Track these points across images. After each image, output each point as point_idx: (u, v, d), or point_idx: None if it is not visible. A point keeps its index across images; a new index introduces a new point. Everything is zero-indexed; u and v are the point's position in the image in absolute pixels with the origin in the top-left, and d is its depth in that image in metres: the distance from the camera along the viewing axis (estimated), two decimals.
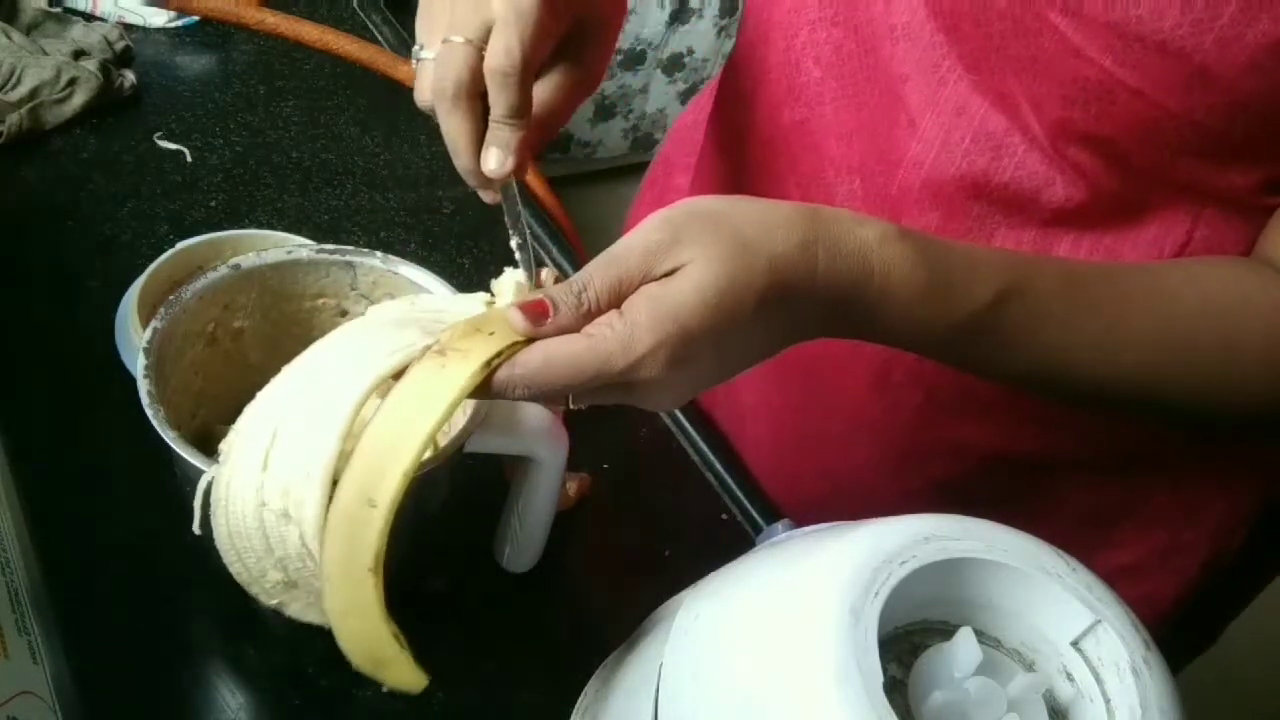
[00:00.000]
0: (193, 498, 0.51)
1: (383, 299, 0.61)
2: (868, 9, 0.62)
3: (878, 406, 0.71)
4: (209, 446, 0.59)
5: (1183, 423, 0.62)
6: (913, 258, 0.48)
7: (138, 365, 0.53)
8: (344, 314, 0.62)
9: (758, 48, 0.71)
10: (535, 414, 0.56)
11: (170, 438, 0.51)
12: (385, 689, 0.59)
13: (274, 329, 0.61)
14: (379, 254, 0.60)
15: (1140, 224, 0.60)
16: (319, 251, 0.60)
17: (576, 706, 0.54)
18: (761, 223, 0.46)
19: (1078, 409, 0.62)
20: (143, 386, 0.52)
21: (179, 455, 0.51)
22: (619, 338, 0.44)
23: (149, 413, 0.51)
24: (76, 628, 0.57)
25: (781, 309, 0.46)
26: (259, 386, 0.62)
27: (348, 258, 0.60)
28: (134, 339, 0.69)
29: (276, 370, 0.62)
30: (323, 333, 0.62)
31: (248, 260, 0.58)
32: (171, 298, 0.56)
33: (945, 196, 0.62)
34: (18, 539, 0.59)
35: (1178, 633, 0.76)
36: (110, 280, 0.74)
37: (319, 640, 0.61)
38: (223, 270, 0.58)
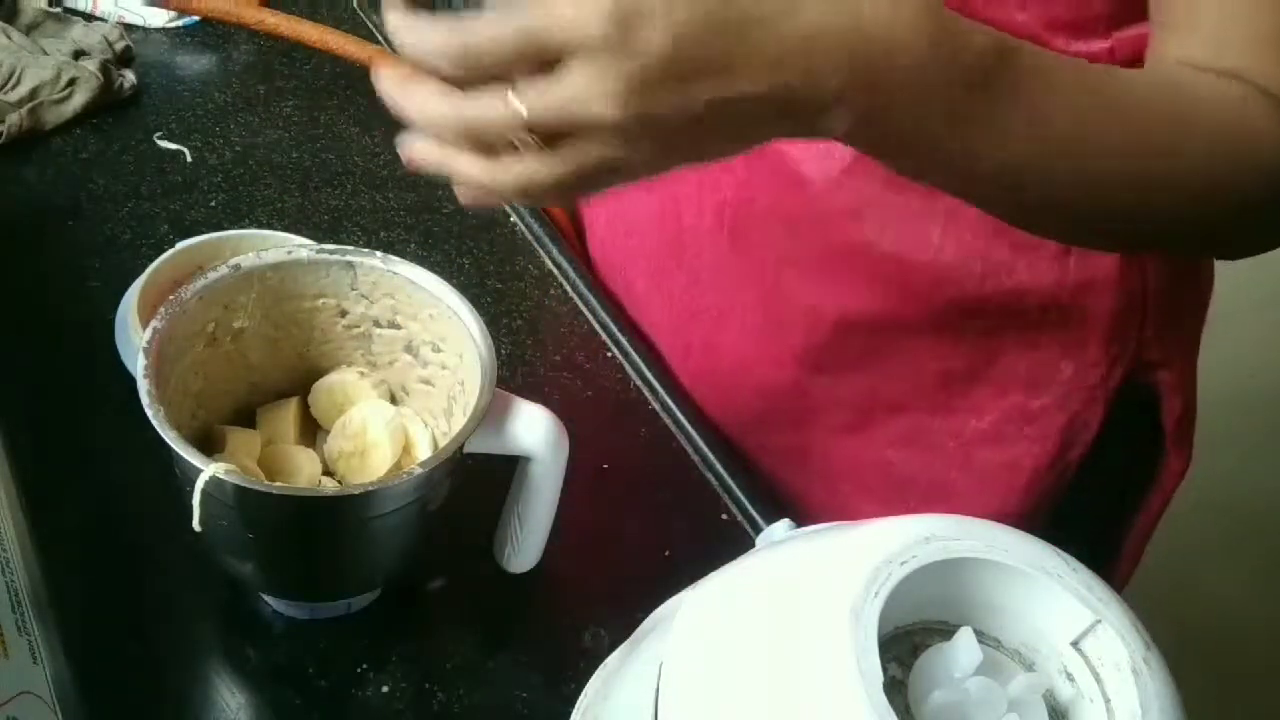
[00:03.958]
0: (192, 497, 0.51)
1: (383, 300, 0.61)
2: None
3: (737, 268, 0.75)
4: (209, 446, 0.59)
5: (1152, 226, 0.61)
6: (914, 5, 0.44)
7: (138, 365, 0.53)
8: (344, 314, 0.62)
9: None
10: (535, 414, 0.56)
11: (170, 437, 0.51)
12: (385, 689, 0.60)
13: (274, 329, 0.61)
14: (379, 254, 0.60)
15: None
16: (319, 252, 0.60)
17: (576, 706, 0.54)
18: None
19: (1047, 219, 0.60)
20: (143, 386, 0.52)
21: (179, 455, 0.51)
22: None
23: (149, 413, 0.51)
24: (76, 628, 0.57)
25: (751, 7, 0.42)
26: (259, 387, 0.63)
27: (348, 258, 0.60)
28: (134, 339, 0.69)
29: (276, 370, 0.62)
30: (323, 333, 0.62)
31: (248, 260, 0.58)
32: (171, 298, 0.56)
33: None
34: (18, 539, 0.59)
35: (1069, 531, 0.77)
36: (110, 280, 0.74)
37: (319, 640, 0.61)
38: (223, 270, 0.58)
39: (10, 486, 0.62)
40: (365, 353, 0.63)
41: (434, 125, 0.43)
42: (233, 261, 0.58)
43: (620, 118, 0.41)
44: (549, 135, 0.42)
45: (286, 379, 0.63)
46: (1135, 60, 0.61)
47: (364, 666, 0.60)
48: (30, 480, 0.62)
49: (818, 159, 0.68)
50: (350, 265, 0.60)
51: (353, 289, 0.61)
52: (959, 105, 0.47)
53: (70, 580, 0.59)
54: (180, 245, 0.72)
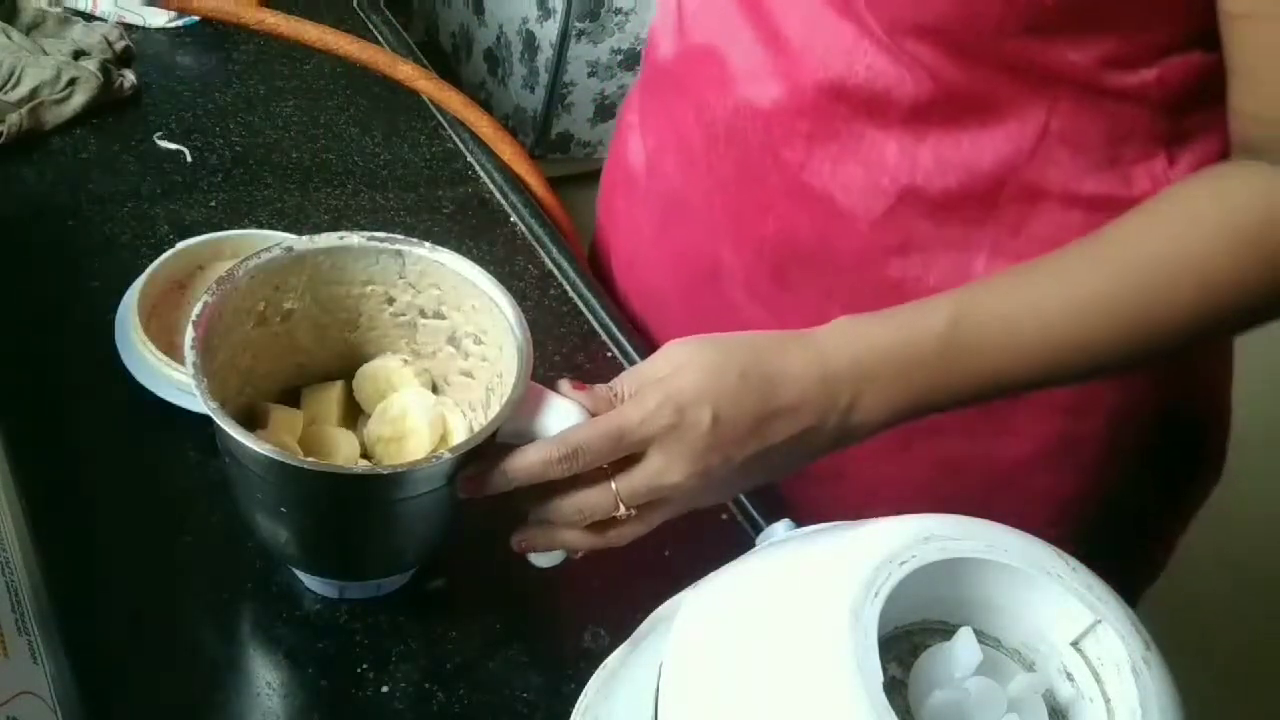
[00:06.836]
0: (233, 470, 0.52)
1: (429, 290, 0.62)
2: None
3: (777, 302, 0.76)
4: (253, 423, 0.60)
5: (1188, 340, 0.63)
6: (854, 325, 0.57)
7: (186, 338, 0.54)
8: (391, 301, 0.63)
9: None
10: (568, 408, 0.56)
11: (212, 409, 0.52)
12: (385, 689, 0.59)
13: (323, 312, 0.62)
14: (427, 244, 0.61)
15: (997, 120, 0.64)
16: (369, 239, 0.61)
17: (576, 707, 0.54)
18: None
19: (1096, 377, 0.65)
20: (189, 358, 0.53)
21: (220, 429, 0.52)
22: (632, 403, 0.54)
23: (194, 384, 0.52)
24: (76, 628, 0.57)
25: (760, 383, 0.55)
26: (306, 368, 0.64)
27: (397, 246, 0.61)
28: (134, 339, 0.69)
29: (323, 353, 0.64)
30: (370, 320, 0.64)
31: (300, 243, 0.60)
32: (223, 274, 0.57)
33: (809, 103, 0.67)
34: (18, 539, 0.59)
35: (1104, 546, 0.77)
36: (110, 280, 0.74)
37: (319, 641, 0.61)
38: (275, 251, 0.59)
39: (10, 486, 0.62)
40: (410, 341, 0.64)
41: (563, 516, 0.56)
42: (285, 243, 0.59)
43: (687, 480, 0.54)
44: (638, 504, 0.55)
45: (333, 362, 0.64)
46: (1182, 88, 0.62)
47: (364, 666, 0.60)
48: (30, 480, 0.62)
49: (862, 197, 0.68)
50: (399, 254, 0.61)
51: (400, 277, 0.62)
52: (936, 373, 0.57)
53: (70, 580, 0.59)
54: (180, 245, 0.73)
